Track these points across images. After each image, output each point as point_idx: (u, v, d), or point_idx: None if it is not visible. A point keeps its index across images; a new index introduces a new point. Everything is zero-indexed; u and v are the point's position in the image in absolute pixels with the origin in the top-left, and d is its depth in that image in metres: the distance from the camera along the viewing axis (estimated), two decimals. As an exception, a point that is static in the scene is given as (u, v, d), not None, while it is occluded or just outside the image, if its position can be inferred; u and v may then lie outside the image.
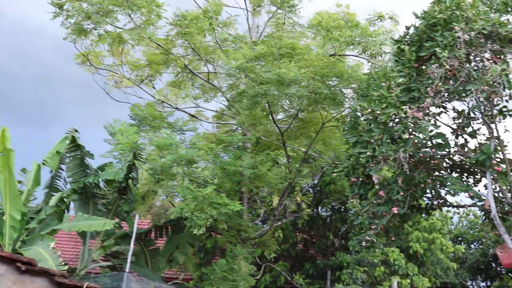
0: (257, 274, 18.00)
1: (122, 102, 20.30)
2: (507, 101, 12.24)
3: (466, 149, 12.53)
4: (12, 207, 14.37)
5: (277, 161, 18.86)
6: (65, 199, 16.69)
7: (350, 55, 18.76)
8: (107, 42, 18.83)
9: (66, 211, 16.00)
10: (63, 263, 13.10)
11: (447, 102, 12.63)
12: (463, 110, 12.73)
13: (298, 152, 19.45)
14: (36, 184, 16.07)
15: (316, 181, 21.48)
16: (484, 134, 12.37)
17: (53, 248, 13.79)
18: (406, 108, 11.93)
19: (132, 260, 15.73)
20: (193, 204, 14.92)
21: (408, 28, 12.61)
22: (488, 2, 11.66)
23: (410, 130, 12.09)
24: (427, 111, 11.60)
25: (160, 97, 20.10)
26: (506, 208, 12.75)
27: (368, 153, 12.33)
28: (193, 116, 20.75)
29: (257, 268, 18.36)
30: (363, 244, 13.00)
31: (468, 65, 11.25)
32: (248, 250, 17.56)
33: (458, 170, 13.41)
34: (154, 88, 20.66)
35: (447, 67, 11.04)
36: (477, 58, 11.35)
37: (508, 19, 11.28)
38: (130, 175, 17.06)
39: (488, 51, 11.37)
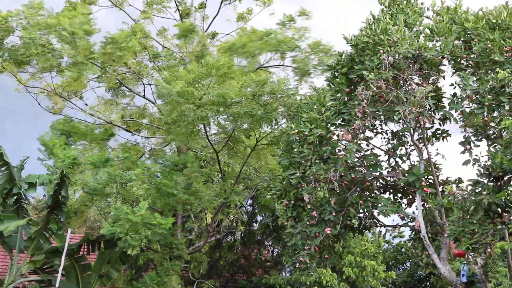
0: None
1: (54, 113, 19.46)
2: (440, 124, 12.55)
3: (397, 171, 12.66)
4: None
5: (212, 177, 18.58)
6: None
7: (273, 66, 18.90)
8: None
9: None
10: None
11: (380, 124, 12.82)
12: (397, 132, 12.90)
13: (234, 168, 19.23)
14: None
15: (250, 200, 21.37)
16: (417, 156, 12.56)
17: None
18: (337, 130, 12.11)
19: (62, 275, 15.16)
20: (127, 225, 14.59)
21: (340, 54, 12.73)
22: (415, 30, 11.82)
23: (339, 150, 12.21)
24: (358, 132, 11.64)
25: (93, 111, 19.35)
26: (436, 229, 13.01)
27: (298, 174, 12.38)
28: (127, 130, 20.22)
29: (191, 284, 18.25)
30: (297, 266, 12.97)
31: (396, 88, 11.36)
32: (181, 266, 17.34)
33: (391, 191, 13.56)
34: (87, 104, 19.88)
35: (374, 89, 11.15)
36: (406, 82, 11.46)
37: (434, 44, 11.47)
38: (60, 192, 16.37)
39: (416, 75, 11.59)
